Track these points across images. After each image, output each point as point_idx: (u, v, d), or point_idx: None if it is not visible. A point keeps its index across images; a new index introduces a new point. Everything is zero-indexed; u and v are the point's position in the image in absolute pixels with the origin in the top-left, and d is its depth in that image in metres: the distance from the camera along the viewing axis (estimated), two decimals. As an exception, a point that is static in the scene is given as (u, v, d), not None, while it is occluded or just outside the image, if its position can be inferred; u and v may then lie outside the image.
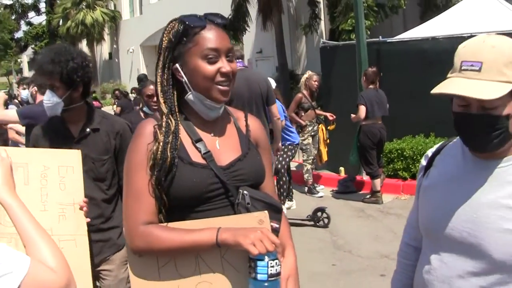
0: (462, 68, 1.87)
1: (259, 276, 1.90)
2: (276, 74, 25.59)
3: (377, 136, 9.00)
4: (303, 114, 9.70)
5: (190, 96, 2.16)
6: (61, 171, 2.86)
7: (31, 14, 57.87)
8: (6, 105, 6.34)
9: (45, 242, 1.81)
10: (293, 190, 9.45)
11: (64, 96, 3.40)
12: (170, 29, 2.17)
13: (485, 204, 1.91)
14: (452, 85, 1.87)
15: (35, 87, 6.45)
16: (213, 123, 2.24)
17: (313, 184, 10.10)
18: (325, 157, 10.06)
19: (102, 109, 22.37)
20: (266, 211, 2.06)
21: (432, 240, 2.14)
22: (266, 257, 1.89)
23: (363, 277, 6.08)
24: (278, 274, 1.94)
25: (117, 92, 21.82)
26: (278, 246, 1.94)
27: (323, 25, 24.97)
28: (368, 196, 9.29)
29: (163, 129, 2.11)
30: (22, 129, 6.04)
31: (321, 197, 9.84)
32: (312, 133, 9.85)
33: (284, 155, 8.55)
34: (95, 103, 22.57)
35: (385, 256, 6.67)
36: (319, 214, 8.09)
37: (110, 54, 46.76)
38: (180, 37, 2.13)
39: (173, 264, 2.07)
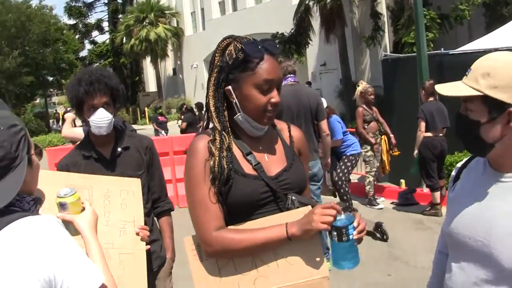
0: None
1: (351, 238, 2.16)
2: (340, 87, 25.62)
3: (438, 148, 8.94)
4: (365, 126, 9.69)
5: (239, 117, 2.34)
6: (123, 194, 3.03)
7: (95, 33, 59.23)
8: (74, 124, 6.59)
9: (109, 277, 2.04)
10: (353, 202, 9.48)
11: (113, 113, 3.47)
12: (224, 48, 2.32)
13: (499, 216, 2.01)
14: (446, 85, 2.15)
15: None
16: (260, 138, 2.43)
17: (374, 195, 10.09)
18: (388, 168, 10.04)
19: (168, 124, 22.78)
20: (309, 206, 2.27)
21: (453, 248, 2.25)
22: (346, 220, 2.15)
23: (419, 287, 6.05)
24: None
25: (184, 107, 22.07)
26: (336, 207, 2.15)
27: (387, 38, 24.81)
28: (428, 209, 9.23)
29: (217, 144, 2.29)
30: None
31: (381, 208, 9.83)
32: (375, 150, 9.80)
33: (343, 166, 8.58)
34: (161, 118, 22.94)
35: (441, 267, 6.61)
36: (378, 230, 8.07)
37: (174, 69, 47.68)
38: (239, 63, 2.28)
39: (231, 264, 2.27)
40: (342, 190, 8.76)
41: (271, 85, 2.29)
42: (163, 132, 21.73)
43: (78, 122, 10.95)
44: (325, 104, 8.04)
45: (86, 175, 3.13)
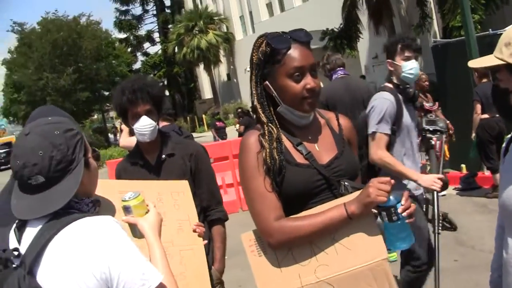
0: None
1: (401, 216, 2.19)
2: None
3: (495, 129, 8.81)
4: (422, 114, 9.55)
5: (281, 108, 2.41)
6: (174, 195, 3.13)
7: (146, 45, 59.70)
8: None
9: (168, 276, 2.09)
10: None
11: (157, 120, 3.53)
12: (258, 45, 2.40)
13: None
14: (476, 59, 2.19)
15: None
16: (308, 127, 2.48)
17: (436, 183, 9.89)
18: (448, 154, 9.88)
19: (226, 129, 22.84)
20: (361, 189, 2.27)
21: (508, 220, 2.29)
22: (394, 199, 2.19)
23: (486, 272, 5.85)
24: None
25: (239, 111, 22.18)
26: (391, 182, 2.18)
27: (435, 24, 24.41)
28: (490, 191, 9.07)
29: (267, 137, 2.35)
30: None
31: (444, 195, 9.68)
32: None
33: None
34: (219, 124, 22.95)
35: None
36: (445, 220, 7.90)
37: (228, 75, 47.80)
38: (268, 57, 2.36)
39: (291, 256, 2.27)
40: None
41: (303, 71, 2.34)
42: (220, 138, 21.79)
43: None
44: None
45: (136, 181, 3.24)
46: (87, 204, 2.03)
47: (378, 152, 4.38)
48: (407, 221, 2.22)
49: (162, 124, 6.31)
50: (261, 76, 2.41)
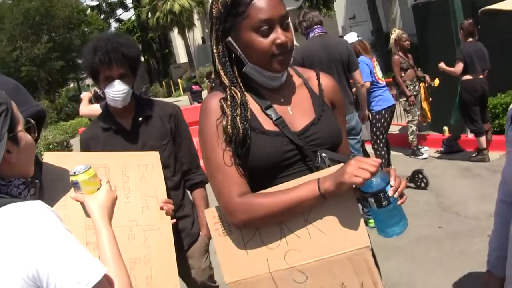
0: None
1: (392, 199, 1.87)
2: (372, 39, 25.19)
3: (478, 91, 8.56)
4: (403, 74, 9.37)
5: (247, 68, 2.09)
6: (141, 168, 2.86)
7: (119, 11, 59.92)
8: (91, 102, 6.59)
9: (117, 267, 1.90)
10: (395, 153, 9.23)
11: (131, 83, 3.27)
12: None
13: None
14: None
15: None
16: (281, 88, 2.16)
17: (417, 146, 9.80)
18: (429, 116, 9.71)
19: (202, 93, 22.87)
20: (342, 163, 1.95)
21: None
22: (381, 181, 1.86)
23: (471, 239, 5.83)
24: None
25: (211, 75, 22.01)
26: (378, 164, 1.85)
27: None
28: (474, 155, 8.91)
29: (229, 102, 2.05)
30: None
31: (425, 158, 9.56)
32: (414, 93, 9.48)
33: (373, 128, 8.11)
34: (195, 87, 22.99)
35: (493, 215, 6.35)
36: (418, 176, 7.83)
37: (203, 38, 47.97)
38: (229, 8, 2.02)
39: (258, 237, 2.04)
40: (377, 152, 8.31)
41: (271, 24, 1.99)
42: (196, 102, 21.63)
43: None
44: (356, 39, 7.81)
45: (101, 153, 2.97)
46: (17, 186, 1.77)
47: None
48: (399, 202, 1.90)
49: None
50: (222, 32, 2.06)
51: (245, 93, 2.09)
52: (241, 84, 2.10)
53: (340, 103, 2.30)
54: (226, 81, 2.09)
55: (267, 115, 2.08)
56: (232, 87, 2.08)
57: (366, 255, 1.93)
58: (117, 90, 3.17)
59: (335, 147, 2.15)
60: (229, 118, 2.02)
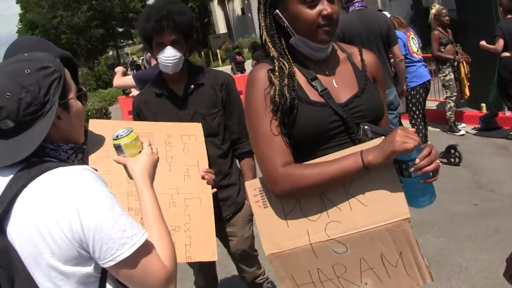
0: None
1: (413, 174, 1.95)
2: (411, 13, 24.73)
3: (517, 68, 8.42)
4: (442, 49, 9.24)
5: (294, 40, 2.16)
6: (184, 139, 2.93)
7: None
8: (125, 74, 6.71)
9: (160, 230, 1.92)
10: (432, 129, 9.17)
11: (183, 50, 3.31)
12: None
13: None
14: None
15: (150, 53, 6.70)
16: (326, 61, 2.22)
17: (455, 122, 9.73)
18: (467, 92, 9.62)
19: (245, 63, 22.75)
20: (383, 136, 2.02)
21: None
22: (414, 152, 1.92)
23: (506, 217, 5.81)
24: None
25: (253, 44, 21.80)
26: (417, 136, 1.93)
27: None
28: (511, 133, 8.84)
29: (277, 72, 2.11)
30: None
31: (462, 135, 9.50)
32: (455, 63, 9.33)
33: (409, 104, 8.08)
34: (239, 58, 22.84)
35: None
36: (451, 151, 7.85)
37: (242, 9, 47.34)
38: None
39: (299, 209, 2.07)
40: (415, 127, 8.25)
41: None
42: (239, 72, 21.49)
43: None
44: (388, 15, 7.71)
45: (146, 122, 3.09)
46: (65, 151, 1.86)
47: None
48: (422, 180, 1.97)
49: (154, 62, 6.39)
50: (270, 5, 2.16)
51: (292, 64, 2.16)
52: (288, 56, 2.16)
53: (381, 79, 2.37)
54: (275, 53, 2.16)
55: (313, 86, 2.14)
56: (280, 58, 2.14)
57: (405, 227, 1.98)
58: (168, 56, 3.25)
59: (377, 120, 2.22)
60: (277, 88, 2.07)
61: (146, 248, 1.74)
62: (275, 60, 2.15)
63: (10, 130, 1.73)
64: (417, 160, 1.92)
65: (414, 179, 1.96)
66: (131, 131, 2.25)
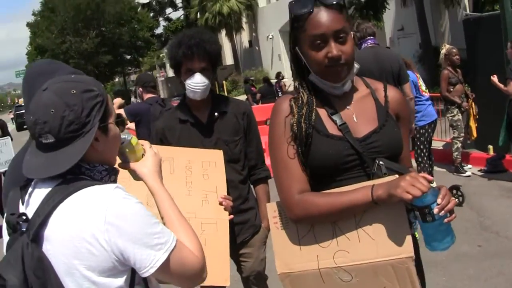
0: None
1: (437, 217, 1.95)
2: (419, 51, 24.90)
3: (527, 111, 8.34)
4: (451, 89, 9.19)
5: (311, 77, 2.25)
6: (204, 165, 3.01)
7: (168, 10, 60.21)
8: (122, 106, 6.77)
9: (184, 227, 2.00)
10: (438, 169, 9.09)
11: (211, 78, 3.44)
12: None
13: None
14: None
15: (141, 87, 6.85)
16: (347, 96, 2.30)
17: (461, 163, 9.64)
18: (474, 134, 9.57)
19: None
20: (396, 174, 2.08)
21: None
22: (430, 198, 1.93)
23: (510, 259, 5.75)
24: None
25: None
26: (430, 181, 1.95)
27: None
28: (518, 176, 8.71)
29: (298, 102, 2.23)
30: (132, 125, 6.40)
31: (468, 176, 9.41)
32: (462, 109, 9.30)
33: (422, 138, 8.06)
34: (253, 89, 23.41)
35: (535, 239, 6.16)
36: (454, 191, 7.73)
37: (250, 42, 47.85)
38: (292, 23, 2.21)
39: (312, 234, 2.17)
40: (421, 165, 8.17)
41: (325, 39, 2.14)
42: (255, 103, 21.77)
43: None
44: None
45: (168, 147, 3.16)
46: (100, 171, 1.94)
47: None
48: (446, 220, 1.98)
49: (147, 96, 6.72)
50: (293, 42, 2.27)
51: (313, 97, 2.26)
52: (309, 88, 2.27)
53: (405, 116, 2.42)
54: (296, 83, 2.31)
55: (333, 120, 2.22)
56: (301, 90, 2.27)
57: (409, 265, 2.04)
58: (197, 82, 3.36)
59: (394, 156, 2.27)
60: (296, 116, 2.20)
61: (178, 247, 1.86)
62: (296, 90, 2.31)
63: (51, 144, 1.82)
64: (439, 200, 1.94)
65: (437, 221, 1.97)
66: (132, 137, 2.26)
